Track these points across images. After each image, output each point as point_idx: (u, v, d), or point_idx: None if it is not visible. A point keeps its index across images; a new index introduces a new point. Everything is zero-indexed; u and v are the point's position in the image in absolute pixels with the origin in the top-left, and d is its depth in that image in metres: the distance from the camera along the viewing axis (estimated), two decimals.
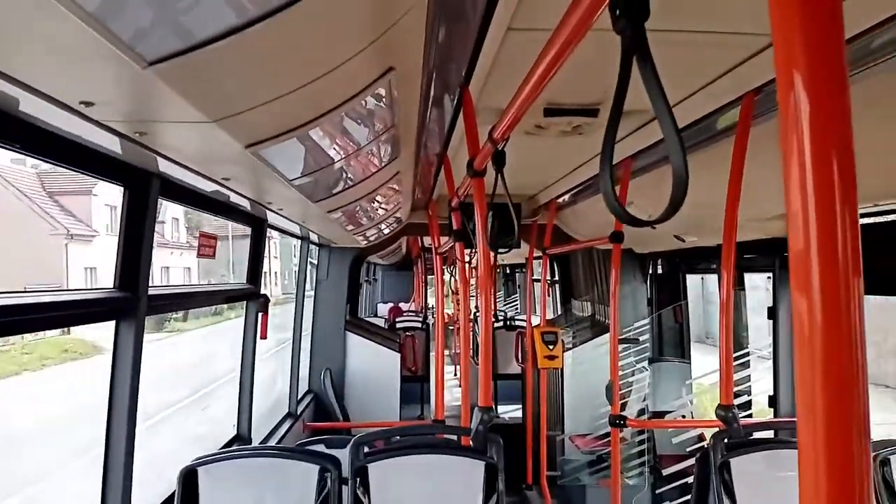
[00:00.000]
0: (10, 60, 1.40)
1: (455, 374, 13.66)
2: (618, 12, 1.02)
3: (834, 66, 0.66)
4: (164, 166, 2.49)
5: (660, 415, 6.07)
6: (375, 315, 15.44)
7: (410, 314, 14.11)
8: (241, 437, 4.58)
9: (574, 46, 1.35)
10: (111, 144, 2.12)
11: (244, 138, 2.07)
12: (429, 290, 18.68)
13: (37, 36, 1.25)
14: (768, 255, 4.41)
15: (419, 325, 10.58)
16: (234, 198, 3.49)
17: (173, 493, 3.06)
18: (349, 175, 3.43)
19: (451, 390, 10.80)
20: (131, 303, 2.59)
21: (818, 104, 0.62)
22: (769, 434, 3.87)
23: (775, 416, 4.55)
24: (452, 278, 12.79)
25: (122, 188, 2.54)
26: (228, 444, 4.47)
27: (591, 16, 1.19)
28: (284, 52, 1.58)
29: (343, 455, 3.24)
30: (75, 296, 2.33)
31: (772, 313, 4.52)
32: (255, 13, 1.31)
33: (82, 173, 2.22)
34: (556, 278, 9.15)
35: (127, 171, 2.46)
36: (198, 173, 2.63)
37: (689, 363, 6.43)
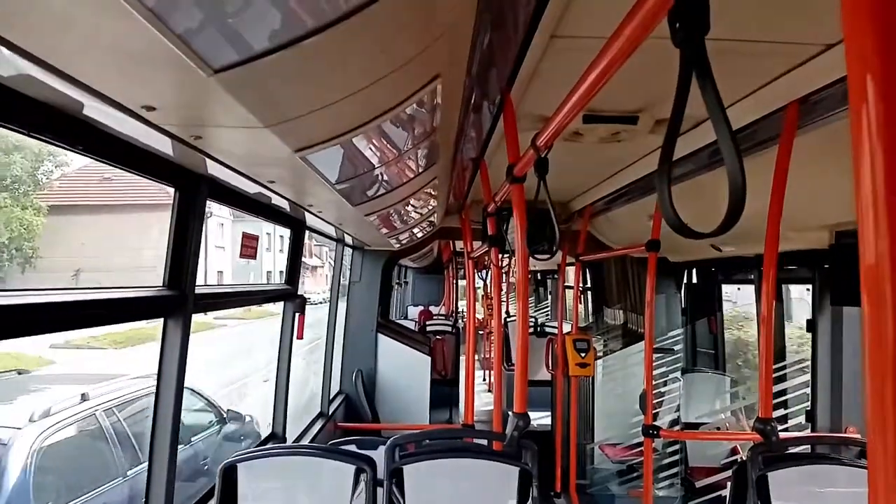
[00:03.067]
0: (76, 65, 1.46)
1: (484, 380, 13.64)
2: (678, 25, 1.04)
3: None
4: (213, 169, 2.56)
5: (693, 426, 6.00)
6: (406, 318, 15.50)
7: (440, 318, 14.15)
8: (276, 435, 4.66)
9: (627, 57, 1.36)
10: (165, 147, 2.19)
11: (293, 143, 2.12)
12: (459, 294, 18.69)
13: (104, 39, 1.30)
14: (808, 266, 4.35)
15: (449, 328, 10.60)
16: (276, 200, 3.56)
17: (213, 487, 3.13)
18: (388, 179, 3.48)
19: (479, 395, 10.80)
20: (179, 301, 2.67)
21: (891, 107, 0.61)
22: (806, 449, 3.81)
23: (812, 430, 4.48)
24: (483, 283, 12.78)
25: (172, 189, 2.62)
26: (264, 442, 4.55)
27: (648, 27, 1.20)
28: (338, 62, 1.63)
29: (374, 456, 3.29)
30: (127, 294, 2.41)
31: (811, 326, 4.45)
32: (313, 25, 1.35)
33: (136, 174, 2.30)
34: (588, 285, 9.10)
35: (178, 173, 2.53)
36: (244, 175, 2.70)
37: (724, 374, 6.34)
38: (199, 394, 6.78)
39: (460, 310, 16.12)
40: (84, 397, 4.75)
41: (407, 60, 1.79)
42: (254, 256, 3.71)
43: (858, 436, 3.91)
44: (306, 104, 1.83)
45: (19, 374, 5.94)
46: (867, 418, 0.62)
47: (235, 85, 1.50)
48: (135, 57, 1.40)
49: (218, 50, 1.35)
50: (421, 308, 16.22)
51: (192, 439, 5.96)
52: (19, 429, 3.89)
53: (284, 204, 3.77)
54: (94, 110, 1.76)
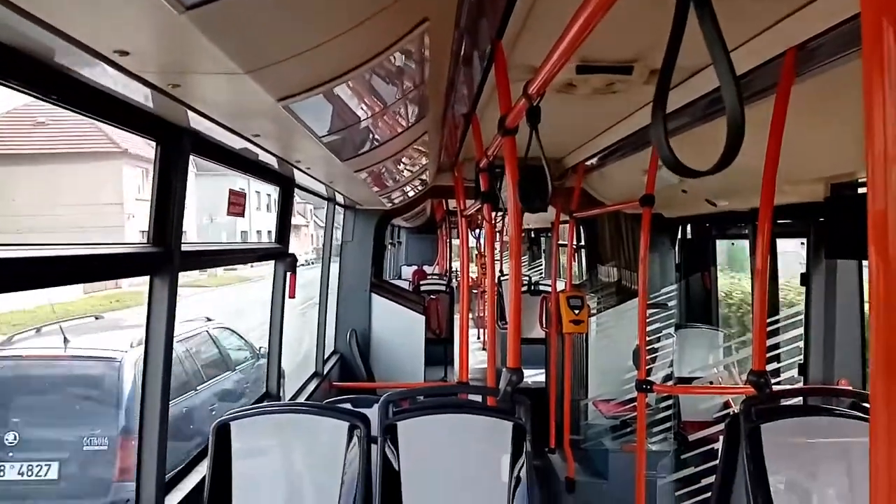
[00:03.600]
0: (45, 5, 1.39)
1: (478, 338, 13.73)
2: None
3: None
4: (196, 122, 2.49)
5: (686, 381, 6.05)
6: (400, 277, 15.53)
7: (434, 277, 14.17)
8: (271, 395, 4.67)
9: None
10: (144, 97, 2.12)
11: (276, 91, 2.05)
12: (453, 253, 18.70)
13: None
14: (802, 219, 4.32)
15: (443, 288, 10.61)
16: (263, 156, 3.49)
17: (206, 446, 3.13)
18: (377, 134, 3.41)
19: (473, 353, 10.89)
20: (165, 258, 2.62)
21: None
22: (799, 401, 3.84)
23: (805, 383, 4.51)
24: (477, 242, 12.78)
25: (154, 143, 2.55)
26: (259, 401, 4.56)
27: None
28: (318, 1, 1.56)
29: (369, 413, 3.29)
30: (112, 250, 2.36)
31: (804, 280, 4.44)
32: None
33: (116, 126, 2.23)
34: (582, 243, 9.09)
35: (159, 126, 2.46)
36: (228, 129, 2.62)
37: (718, 329, 6.37)
38: (237, 334, 7.98)
39: (454, 269, 16.13)
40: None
41: (391, 2, 1.71)
42: (242, 214, 3.65)
43: (850, 388, 3.93)
44: (287, 47, 1.75)
45: (96, 318, 7.13)
46: (870, 368, 0.60)
47: (211, 25, 1.43)
48: None
49: None
50: (415, 268, 16.24)
51: (237, 368, 7.46)
52: (126, 352, 5.22)
53: (272, 160, 3.70)
54: (67, 56, 1.68)
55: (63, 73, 1.80)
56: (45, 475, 4.72)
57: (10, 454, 4.69)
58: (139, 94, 2.07)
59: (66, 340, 5.24)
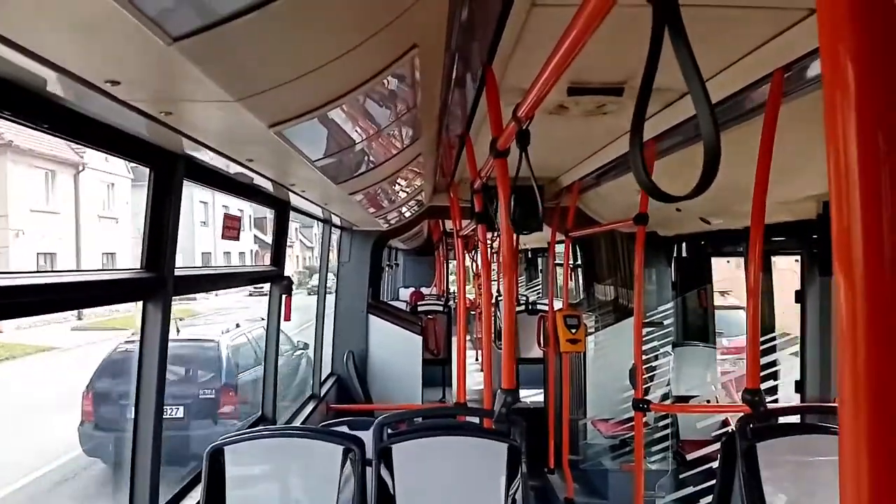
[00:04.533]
0: (36, 38, 1.40)
1: (476, 360, 13.68)
2: None
3: (881, 36, 0.63)
4: (190, 147, 2.50)
5: (683, 399, 6.03)
6: (397, 299, 15.50)
7: (432, 297, 14.14)
8: (266, 418, 4.64)
9: (601, 20, 1.32)
10: (137, 125, 2.14)
11: (267, 118, 2.07)
12: (450, 275, 18.69)
13: (61, 11, 1.25)
14: (797, 237, 4.33)
15: (440, 308, 10.59)
16: (258, 180, 3.50)
17: (200, 472, 3.11)
18: (371, 156, 3.43)
19: (471, 375, 10.83)
20: (158, 283, 2.62)
21: (864, 77, 0.60)
22: (795, 419, 3.82)
23: (802, 401, 4.49)
24: (474, 263, 12.78)
25: (148, 170, 2.56)
26: (254, 425, 4.53)
27: None
28: (306, 29, 1.57)
29: (366, 436, 3.27)
30: (105, 276, 2.37)
31: (799, 297, 4.44)
32: None
33: (110, 154, 2.24)
34: (579, 263, 9.09)
35: (153, 153, 2.47)
36: (222, 154, 2.64)
37: (714, 347, 6.36)
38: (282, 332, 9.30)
39: (451, 290, 16.12)
40: (238, 325, 9.09)
41: (380, 28, 1.73)
42: (237, 238, 3.66)
43: None
44: (277, 75, 1.77)
45: (178, 320, 8.73)
46: (838, 384, 0.62)
47: (199, 54, 1.45)
48: (93, 28, 1.34)
49: (176, 17, 1.29)
50: (412, 290, 16.21)
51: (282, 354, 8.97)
52: (219, 338, 8.21)
53: (267, 184, 3.71)
54: (59, 86, 1.70)
55: (55, 102, 1.82)
56: (175, 415, 7.30)
57: None
58: (132, 122, 2.08)
59: (177, 331, 7.40)
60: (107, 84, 1.66)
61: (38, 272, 2.07)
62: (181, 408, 7.45)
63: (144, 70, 1.60)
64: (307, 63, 1.76)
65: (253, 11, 1.31)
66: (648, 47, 1.04)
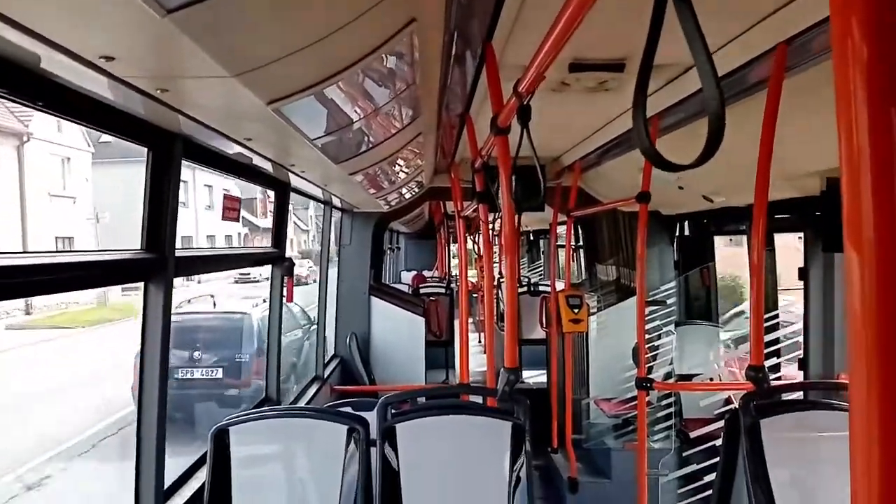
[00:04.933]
0: (29, 13, 1.38)
1: (479, 342, 13.71)
2: None
3: (892, 7, 0.61)
4: (187, 127, 2.48)
5: (687, 378, 6.04)
6: (399, 283, 15.52)
7: (434, 280, 14.14)
8: (270, 399, 4.66)
9: None
10: (134, 104, 2.11)
11: (265, 95, 2.04)
12: (452, 258, 18.68)
13: None
14: (800, 214, 4.31)
15: (443, 290, 10.60)
16: (257, 160, 3.48)
17: (205, 453, 3.12)
18: (370, 136, 3.41)
19: (474, 357, 10.86)
20: (159, 264, 2.61)
21: (875, 50, 0.58)
22: (799, 396, 3.82)
23: (805, 378, 4.50)
24: (476, 245, 12.77)
25: (145, 149, 2.54)
26: (258, 406, 4.55)
27: None
28: (303, 2, 1.55)
29: (370, 417, 3.28)
30: (105, 256, 2.35)
31: (803, 274, 4.43)
32: None
33: (107, 133, 2.22)
34: (581, 243, 9.08)
35: (150, 132, 2.45)
36: (220, 133, 2.62)
37: (717, 326, 6.36)
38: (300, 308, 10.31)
39: (453, 273, 16.12)
40: (265, 300, 8.73)
41: (376, 2, 1.70)
42: (237, 219, 3.64)
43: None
44: (274, 50, 1.75)
45: (212, 296, 10.32)
46: (848, 361, 0.61)
47: (195, 27, 1.42)
48: (86, 1, 1.32)
49: None
50: (414, 273, 16.23)
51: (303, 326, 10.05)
52: (251, 311, 9.31)
53: (267, 165, 3.69)
54: (53, 63, 1.68)
55: (50, 80, 1.80)
56: (214, 375, 8.39)
57: (196, 365, 8.45)
58: (128, 100, 2.06)
59: (214, 304, 9.83)
60: (101, 60, 1.64)
61: (35, 252, 2.05)
62: (220, 369, 8.84)
63: (139, 45, 1.58)
64: (304, 37, 1.73)
65: None
66: (651, 15, 1.02)
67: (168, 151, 2.57)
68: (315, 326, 9.21)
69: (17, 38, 1.47)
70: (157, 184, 2.57)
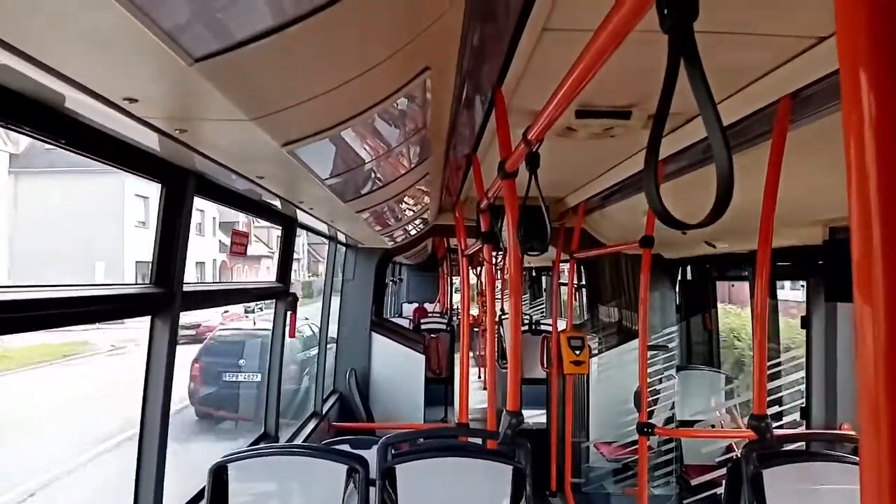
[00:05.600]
0: (57, 55, 1.43)
1: (479, 377, 13.62)
2: (666, 11, 1.01)
3: None
4: (201, 164, 2.52)
5: (688, 423, 5.99)
6: (400, 315, 15.48)
7: (435, 315, 14.11)
8: (268, 435, 4.62)
9: (616, 47, 1.34)
10: (151, 141, 2.16)
11: (281, 137, 2.09)
12: (454, 292, 18.65)
13: (83, 29, 1.27)
14: (802, 262, 4.33)
15: (444, 326, 10.57)
16: (266, 196, 3.52)
17: (203, 488, 3.09)
18: (380, 175, 3.45)
19: (474, 393, 10.78)
20: (167, 298, 2.63)
21: (884, 101, 0.60)
22: (801, 446, 3.80)
23: (807, 428, 4.47)
24: (478, 280, 12.78)
25: (159, 185, 2.58)
26: (256, 442, 4.51)
27: (635, 16, 1.17)
28: (323, 52, 1.60)
29: (368, 455, 3.26)
30: (114, 291, 2.37)
31: (805, 322, 4.43)
32: (295, 13, 1.32)
33: (122, 169, 2.26)
34: (583, 283, 9.09)
35: (165, 168, 2.50)
36: (233, 171, 2.66)
37: (720, 372, 6.33)
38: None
39: (455, 307, 16.08)
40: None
41: (394, 51, 1.76)
42: (244, 254, 3.67)
43: (853, 433, 3.90)
44: (292, 96, 1.80)
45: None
46: (858, 415, 0.61)
47: (218, 75, 1.47)
48: (115, 46, 1.37)
49: (198, 38, 1.31)
50: (416, 305, 16.19)
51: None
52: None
53: (275, 201, 3.74)
54: (77, 103, 1.72)
55: (72, 118, 1.84)
56: (253, 378, 9.37)
57: (240, 370, 9.83)
58: (146, 139, 2.10)
59: (254, 323, 11.73)
60: (124, 101, 1.68)
61: (44, 286, 2.07)
62: (259, 374, 10.07)
63: (163, 89, 1.62)
64: (323, 84, 1.78)
65: (272, 35, 1.33)
66: (664, 76, 1.06)
67: (181, 188, 2.61)
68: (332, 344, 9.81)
69: (45, 79, 1.52)
70: (170, 219, 2.60)
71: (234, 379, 10.44)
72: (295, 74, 1.67)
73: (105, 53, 1.42)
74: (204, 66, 1.37)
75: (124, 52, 1.39)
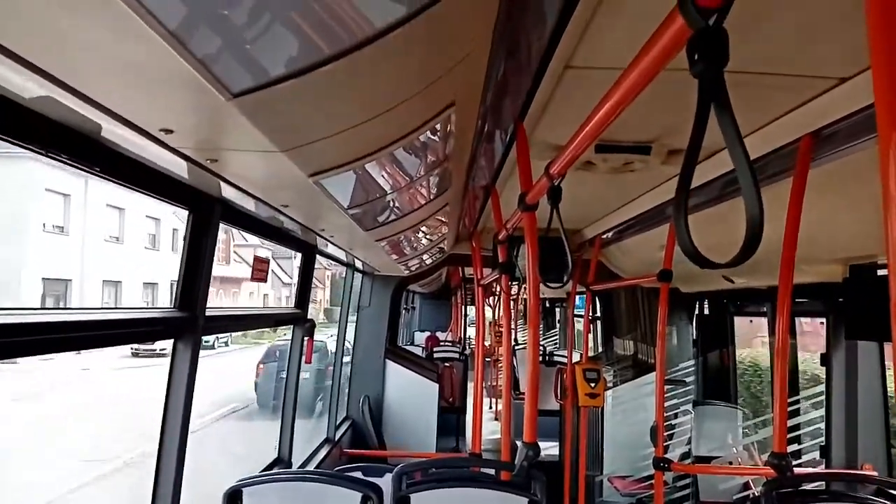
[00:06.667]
0: (96, 87, 1.48)
1: (490, 408, 13.51)
2: (696, 56, 1.04)
3: None
4: (227, 192, 2.58)
5: (704, 459, 5.91)
6: (412, 343, 15.44)
7: (447, 343, 14.07)
8: (282, 460, 4.62)
9: (643, 87, 1.37)
10: (180, 170, 2.21)
11: (308, 168, 2.14)
12: (467, 321, 18.58)
13: (125, 63, 1.32)
14: (822, 299, 4.30)
15: (457, 355, 10.54)
16: (288, 224, 3.58)
17: None
18: (400, 205, 3.50)
19: (485, 423, 10.70)
20: (190, 322, 2.67)
21: None
22: (821, 485, 3.73)
23: (827, 467, 4.39)
24: (493, 310, 12.75)
25: (186, 211, 2.64)
26: (269, 467, 4.51)
27: (666, 58, 1.20)
28: (354, 89, 1.65)
29: (381, 482, 3.25)
30: (139, 314, 2.41)
31: (825, 360, 4.38)
32: (330, 52, 1.37)
33: (151, 196, 2.32)
34: (598, 315, 9.05)
35: (192, 196, 2.55)
36: (258, 199, 2.71)
37: (737, 408, 6.25)
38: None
39: (469, 337, 16.03)
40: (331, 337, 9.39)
41: (422, 88, 1.80)
42: (265, 280, 3.71)
43: (875, 473, 3.83)
44: (322, 130, 1.84)
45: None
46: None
47: (253, 110, 1.52)
48: (155, 80, 1.42)
49: (237, 75, 1.36)
50: (428, 334, 16.16)
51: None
52: (325, 340, 10.36)
53: (296, 228, 3.79)
54: (113, 133, 1.78)
55: (107, 147, 1.90)
56: (306, 377, 8.58)
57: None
58: (175, 167, 2.16)
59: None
60: (160, 132, 1.74)
61: (71, 309, 2.12)
62: (307, 373, 10.86)
63: (199, 121, 1.68)
64: (352, 119, 1.83)
65: (307, 73, 1.38)
66: (694, 119, 1.08)
67: (208, 214, 2.67)
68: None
69: (84, 109, 1.57)
70: (196, 245, 2.65)
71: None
72: (326, 109, 1.72)
73: (146, 87, 1.47)
74: (241, 101, 1.42)
75: (164, 86, 1.44)
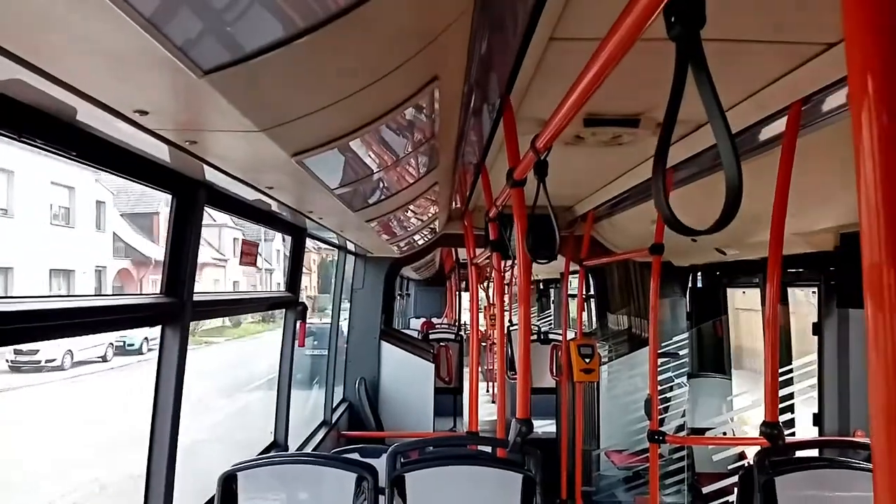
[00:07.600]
0: (68, 69, 1.44)
1: (487, 391, 13.59)
2: (673, 19, 1.02)
3: None
4: (211, 175, 2.54)
5: (699, 431, 5.96)
6: (408, 329, 15.50)
7: (443, 326, 14.10)
8: (278, 444, 4.63)
9: (624, 55, 1.34)
10: (161, 153, 2.18)
11: (290, 148, 2.10)
12: (462, 306, 18.63)
13: (95, 43, 1.29)
14: (814, 269, 4.31)
15: (452, 337, 10.57)
16: (276, 207, 3.54)
17: (213, 497, 3.10)
18: (388, 185, 3.47)
19: (482, 406, 10.76)
20: (177, 308, 2.64)
21: (893, 107, 0.60)
22: (814, 453, 3.77)
23: (819, 434, 4.43)
24: (487, 293, 12.78)
25: (169, 196, 2.60)
26: (266, 451, 4.52)
27: (642, 23, 1.18)
28: (331, 63, 1.61)
29: (378, 464, 3.26)
30: (124, 301, 2.39)
31: (817, 329, 4.40)
32: (304, 24, 1.34)
33: (134, 181, 2.29)
34: (592, 292, 9.07)
35: (175, 180, 2.52)
36: (243, 182, 2.68)
37: (730, 379, 6.29)
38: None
39: (463, 321, 16.09)
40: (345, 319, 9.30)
41: (403, 61, 1.77)
42: (254, 264, 3.69)
43: (866, 439, 3.86)
44: (301, 107, 1.81)
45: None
46: (871, 421, 0.61)
47: (228, 87, 1.48)
48: (126, 60, 1.38)
49: (208, 51, 1.33)
50: (423, 320, 16.21)
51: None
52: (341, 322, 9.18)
53: (284, 211, 3.76)
54: (88, 115, 1.74)
55: (84, 131, 1.86)
56: (322, 353, 8.11)
57: (315, 348, 8.83)
58: (156, 150, 2.12)
59: (320, 318, 12.40)
60: (135, 114, 1.70)
61: (54, 296, 2.09)
62: (326, 350, 10.44)
63: (173, 101, 1.64)
64: (331, 95, 1.79)
65: (281, 47, 1.35)
66: (672, 83, 1.06)
67: (192, 199, 2.63)
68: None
69: (57, 92, 1.54)
70: (180, 230, 2.63)
71: (309, 354, 12.10)
72: (304, 85, 1.69)
73: (117, 67, 1.44)
74: (213, 78, 1.39)
75: (134, 65, 1.41)
